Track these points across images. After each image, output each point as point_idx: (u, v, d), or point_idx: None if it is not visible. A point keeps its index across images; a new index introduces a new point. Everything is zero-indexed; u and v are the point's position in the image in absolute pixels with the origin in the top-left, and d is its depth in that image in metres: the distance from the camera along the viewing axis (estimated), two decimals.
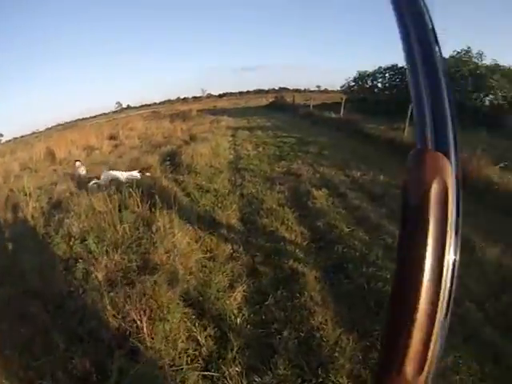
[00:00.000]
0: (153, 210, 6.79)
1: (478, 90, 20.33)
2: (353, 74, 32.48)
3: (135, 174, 9.99)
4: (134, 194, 7.23)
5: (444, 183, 0.52)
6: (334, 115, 21.61)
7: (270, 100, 47.16)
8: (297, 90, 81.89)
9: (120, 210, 6.97)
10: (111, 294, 4.50)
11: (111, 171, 10.30)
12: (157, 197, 7.00)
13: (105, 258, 5.35)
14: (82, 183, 10.30)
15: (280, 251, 5.61)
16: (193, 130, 19.37)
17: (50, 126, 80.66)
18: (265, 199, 7.95)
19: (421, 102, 0.58)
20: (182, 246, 5.73)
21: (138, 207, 7.08)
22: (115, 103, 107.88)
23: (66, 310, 4.51)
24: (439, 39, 0.61)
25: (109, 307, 4.20)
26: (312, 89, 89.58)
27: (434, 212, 0.52)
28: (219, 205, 7.72)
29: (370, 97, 28.87)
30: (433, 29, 0.61)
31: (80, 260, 5.47)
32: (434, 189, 0.52)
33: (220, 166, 11.27)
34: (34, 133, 76.50)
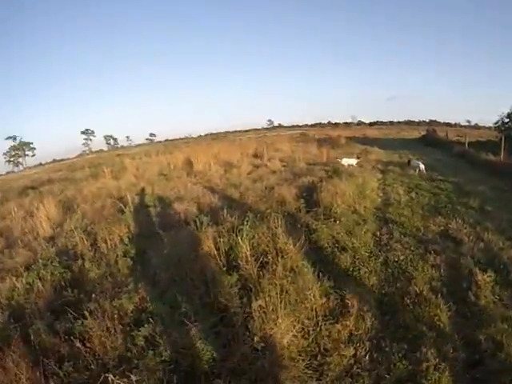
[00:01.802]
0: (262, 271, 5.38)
1: None
2: (505, 109, 26.94)
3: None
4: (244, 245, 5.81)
5: None
6: (492, 157, 18.17)
7: (422, 133, 44.24)
8: (447, 124, 78.51)
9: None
10: None
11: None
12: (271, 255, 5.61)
13: None
14: None
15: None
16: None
17: (202, 134, 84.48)
18: (414, 275, 5.90)
19: None
20: (281, 341, 4.31)
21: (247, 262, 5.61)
22: (267, 120, 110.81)
23: None
24: None
25: None
26: (462, 123, 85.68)
27: None
28: (354, 273, 6.00)
29: None
30: None
31: None
32: None
33: (364, 212, 9.08)
34: (186, 137, 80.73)
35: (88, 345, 4.41)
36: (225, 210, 7.66)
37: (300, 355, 4.22)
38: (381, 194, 11.27)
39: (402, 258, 6.58)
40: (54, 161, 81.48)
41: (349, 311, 4.87)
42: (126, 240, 7.89)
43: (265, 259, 5.61)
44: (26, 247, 8.96)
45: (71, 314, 4.92)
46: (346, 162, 16.55)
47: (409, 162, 16.45)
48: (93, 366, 4.12)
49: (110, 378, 3.55)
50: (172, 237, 7.30)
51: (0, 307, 5.75)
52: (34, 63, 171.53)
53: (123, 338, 4.49)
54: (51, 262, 6.59)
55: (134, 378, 3.56)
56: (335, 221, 7.99)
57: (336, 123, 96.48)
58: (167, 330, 4.45)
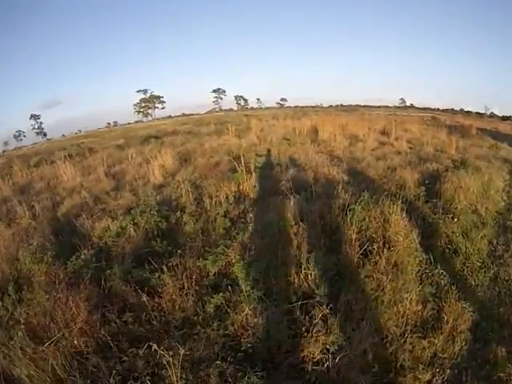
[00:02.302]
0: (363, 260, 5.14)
1: None
2: None
3: None
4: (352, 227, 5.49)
5: None
6: None
7: None
8: None
9: None
10: None
11: None
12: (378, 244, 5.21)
13: None
14: None
15: None
16: (468, 151, 16.05)
17: (333, 105, 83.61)
18: None
19: None
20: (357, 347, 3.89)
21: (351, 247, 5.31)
22: (399, 99, 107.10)
23: None
24: None
25: None
26: None
27: None
28: (460, 283, 5.31)
29: None
30: None
31: None
32: None
33: (485, 214, 8.14)
34: (316, 106, 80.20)
35: (157, 300, 4.35)
36: (340, 185, 7.39)
37: (373, 367, 3.82)
38: (505, 198, 9.98)
39: None
40: (184, 115, 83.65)
41: (441, 327, 4.35)
42: (232, 199, 7.76)
43: (370, 247, 5.25)
44: (133, 192, 9.28)
45: (152, 264, 4.90)
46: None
47: None
48: (154, 322, 4.06)
49: (153, 348, 3.43)
50: (278, 204, 7.00)
51: (90, 245, 5.88)
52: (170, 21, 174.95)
53: (195, 300, 4.37)
54: (150, 210, 6.60)
55: (182, 351, 3.36)
56: (453, 218, 7.27)
57: (468, 111, 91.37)
58: (242, 303, 4.29)
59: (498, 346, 4.24)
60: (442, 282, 5.20)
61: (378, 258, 5.07)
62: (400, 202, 6.55)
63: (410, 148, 16.29)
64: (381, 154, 13.80)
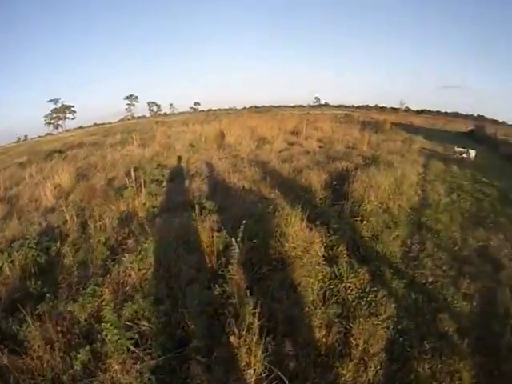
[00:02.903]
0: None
1: None
2: None
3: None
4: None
5: None
6: None
7: (469, 128, 41.96)
8: (495, 121, 75.69)
9: None
10: None
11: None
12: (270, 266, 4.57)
13: None
14: None
15: None
16: (380, 147, 15.89)
17: (246, 107, 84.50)
18: (441, 308, 4.70)
19: None
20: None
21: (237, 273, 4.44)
22: (314, 97, 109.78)
23: None
24: None
25: None
26: (510, 122, 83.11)
27: None
28: (370, 296, 4.71)
29: None
30: None
31: None
32: None
33: (398, 212, 7.78)
34: (230, 108, 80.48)
35: (24, 359, 3.55)
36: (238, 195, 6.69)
37: None
38: (419, 192, 9.85)
39: (430, 280, 5.38)
40: (96, 124, 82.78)
41: (350, 353, 3.75)
42: (115, 222, 6.95)
43: (261, 269, 4.57)
44: (22, 219, 8.25)
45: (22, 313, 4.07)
46: (459, 151, 16.12)
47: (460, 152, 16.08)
48: None
49: None
50: (165, 224, 6.31)
51: None
52: (82, 28, 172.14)
53: (63, 355, 3.56)
54: (28, 243, 5.82)
55: None
56: (362, 220, 6.77)
57: (383, 107, 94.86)
58: (113, 354, 3.51)
59: (420, 364, 3.76)
60: (350, 297, 4.65)
61: (269, 281, 4.37)
62: (300, 209, 5.94)
63: (320, 147, 15.96)
64: (288, 156, 13.24)
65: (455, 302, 4.88)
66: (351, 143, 16.87)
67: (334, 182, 9.11)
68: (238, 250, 4.42)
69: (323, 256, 5.28)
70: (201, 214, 5.90)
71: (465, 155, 15.57)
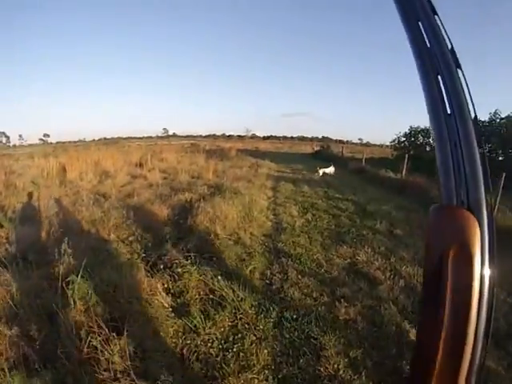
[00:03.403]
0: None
1: None
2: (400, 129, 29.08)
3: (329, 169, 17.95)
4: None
5: (468, 244, 0.48)
6: (392, 174, 17.38)
7: (316, 148, 44.06)
8: (340, 141, 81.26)
9: None
10: None
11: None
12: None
13: None
14: None
15: None
16: (226, 174, 15.30)
17: (96, 139, 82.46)
18: (323, 343, 3.88)
19: (445, 153, 0.56)
20: None
21: None
22: (162, 129, 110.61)
23: None
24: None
25: None
26: (354, 141, 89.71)
27: (453, 278, 0.47)
28: (234, 348, 3.76)
29: (425, 155, 23.84)
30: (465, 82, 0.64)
31: None
32: (456, 250, 0.47)
33: (251, 241, 7.00)
34: (79, 141, 78.02)
35: None
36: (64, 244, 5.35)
37: None
38: (271, 216, 9.27)
39: (302, 312, 4.52)
40: None
41: None
42: None
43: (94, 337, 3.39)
44: None
45: None
46: (322, 171, 17.98)
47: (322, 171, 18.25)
48: None
49: None
50: None
51: None
52: None
53: None
54: None
55: None
56: (211, 258, 5.81)
57: (229, 135, 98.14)
58: None
59: None
60: (212, 351, 3.73)
61: (109, 347, 3.20)
62: (138, 253, 4.84)
63: (165, 178, 15.17)
64: (131, 190, 12.20)
65: (338, 333, 4.11)
66: (196, 172, 16.34)
67: (177, 217, 8.21)
68: None
69: (171, 307, 4.25)
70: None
71: (327, 170, 17.96)
